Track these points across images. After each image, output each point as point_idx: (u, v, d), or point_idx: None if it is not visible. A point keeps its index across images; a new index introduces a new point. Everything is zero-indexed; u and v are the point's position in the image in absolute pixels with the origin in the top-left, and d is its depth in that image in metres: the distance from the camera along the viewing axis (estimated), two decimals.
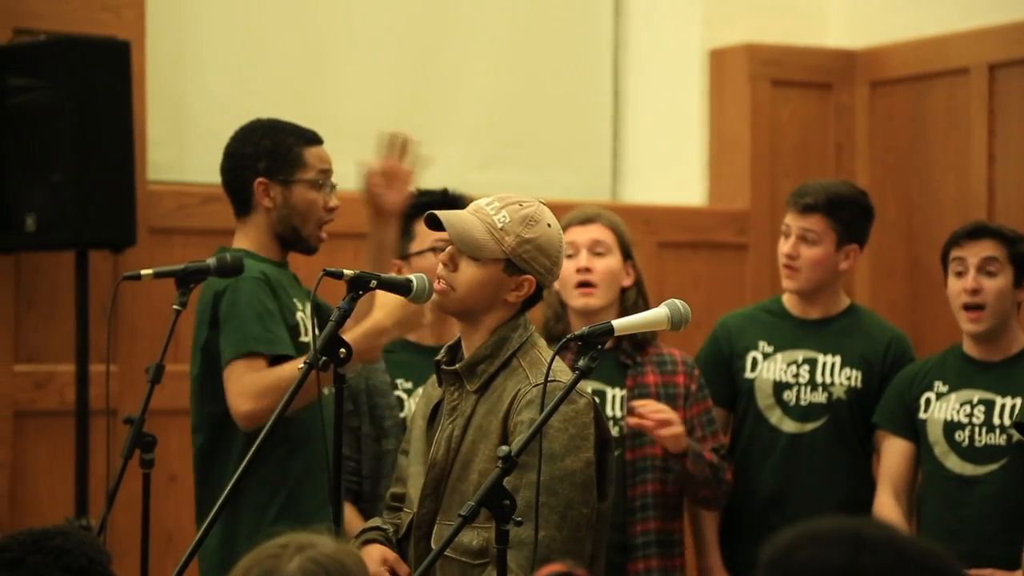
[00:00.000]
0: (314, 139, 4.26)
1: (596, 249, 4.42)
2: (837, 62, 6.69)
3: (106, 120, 5.24)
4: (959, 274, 4.47)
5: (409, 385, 4.41)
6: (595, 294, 4.38)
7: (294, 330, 4.11)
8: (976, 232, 4.48)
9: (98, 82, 5.24)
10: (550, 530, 3.18)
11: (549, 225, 3.35)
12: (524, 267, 3.32)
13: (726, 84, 6.66)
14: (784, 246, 4.68)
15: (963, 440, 4.45)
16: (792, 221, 4.68)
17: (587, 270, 4.39)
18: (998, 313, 4.44)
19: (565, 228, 4.40)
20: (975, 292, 4.43)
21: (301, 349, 4.08)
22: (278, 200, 4.18)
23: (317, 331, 3.51)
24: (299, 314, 4.14)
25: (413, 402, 4.38)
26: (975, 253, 4.45)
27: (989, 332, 4.46)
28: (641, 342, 4.45)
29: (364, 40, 6.39)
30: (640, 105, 6.94)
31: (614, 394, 4.42)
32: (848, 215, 4.66)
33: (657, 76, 6.89)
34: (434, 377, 3.52)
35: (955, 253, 4.49)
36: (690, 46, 6.76)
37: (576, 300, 4.40)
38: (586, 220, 4.46)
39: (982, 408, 4.46)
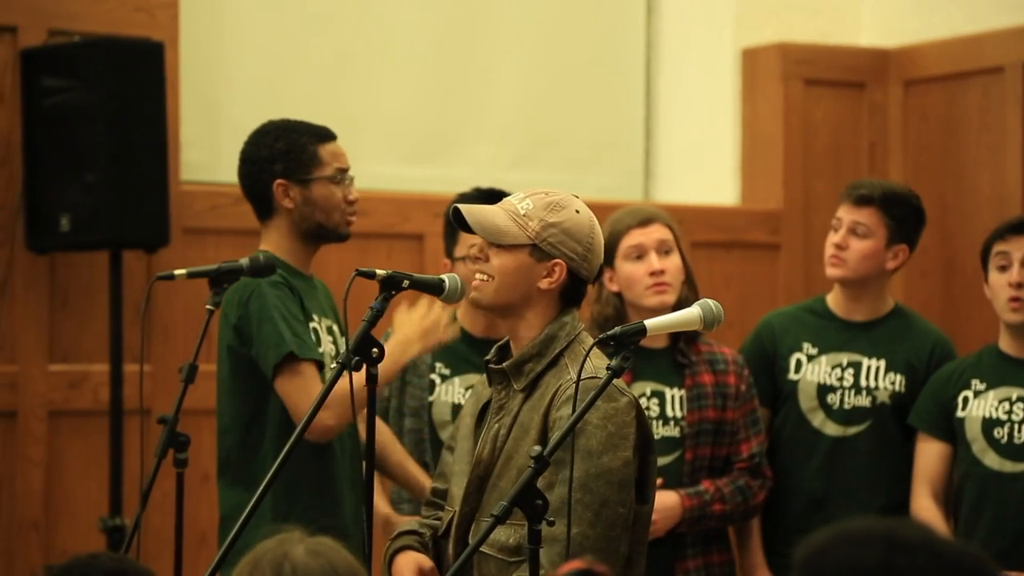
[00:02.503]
0: (327, 136, 4.24)
1: (663, 248, 4.43)
2: (870, 61, 6.67)
3: (140, 121, 5.26)
4: (1003, 268, 4.46)
5: (447, 372, 4.44)
6: (669, 291, 4.40)
7: None
8: (1022, 226, 4.48)
9: (132, 83, 5.26)
10: (583, 527, 3.18)
11: (578, 211, 3.34)
12: (551, 251, 3.31)
13: (759, 83, 6.65)
14: (833, 237, 4.65)
15: (1002, 437, 4.44)
16: (844, 214, 4.65)
17: (662, 271, 4.40)
18: None
19: (625, 230, 4.43)
20: (1020, 286, 4.42)
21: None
22: (298, 200, 4.17)
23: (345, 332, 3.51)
24: (312, 324, 4.14)
25: (445, 389, 4.44)
26: (1020, 247, 4.44)
27: None
28: (691, 338, 4.47)
29: (396, 41, 6.40)
30: (672, 104, 6.93)
31: (673, 394, 4.43)
32: (901, 213, 4.64)
33: (689, 75, 6.88)
34: (485, 376, 3.52)
35: (999, 247, 4.48)
36: (723, 45, 6.75)
37: (651, 299, 4.39)
38: (647, 221, 4.45)
39: (1021, 405, 4.45)
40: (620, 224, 4.47)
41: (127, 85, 5.25)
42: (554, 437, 3.02)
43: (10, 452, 5.41)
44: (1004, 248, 4.47)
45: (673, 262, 4.43)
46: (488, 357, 3.43)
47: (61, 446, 5.47)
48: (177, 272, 3.90)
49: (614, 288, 4.47)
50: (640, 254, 4.42)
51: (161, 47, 5.36)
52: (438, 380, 4.46)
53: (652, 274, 4.40)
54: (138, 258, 5.50)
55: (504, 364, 3.35)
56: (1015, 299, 4.43)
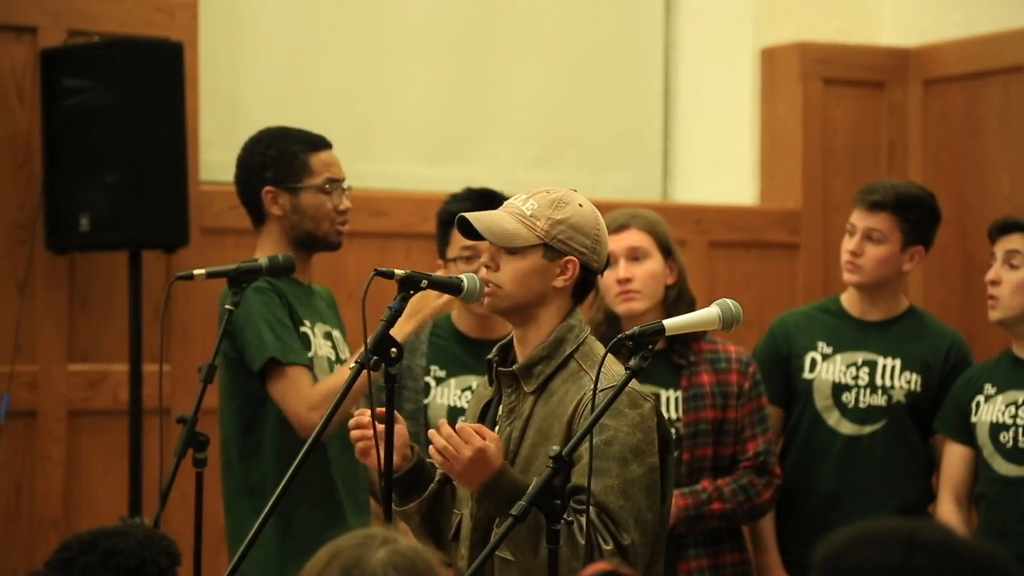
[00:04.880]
0: (320, 144, 4.27)
1: (633, 255, 4.42)
2: (890, 60, 6.66)
3: (159, 121, 5.27)
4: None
5: (442, 374, 4.43)
6: (636, 298, 4.40)
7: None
8: (1007, 227, 4.50)
9: (152, 83, 5.27)
10: (632, 535, 3.18)
11: (581, 205, 3.33)
12: (563, 248, 3.31)
13: (778, 83, 6.64)
14: (848, 243, 4.65)
15: (1007, 441, 4.43)
16: (858, 220, 4.65)
17: (627, 280, 4.40)
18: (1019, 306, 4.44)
19: None
20: (994, 283, 4.46)
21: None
22: (287, 207, 4.21)
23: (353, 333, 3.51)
24: (303, 329, 4.16)
25: (440, 391, 4.43)
26: (1001, 247, 4.48)
27: (1009, 320, 4.46)
28: (690, 338, 4.44)
29: (416, 41, 6.40)
30: (691, 104, 6.92)
31: (668, 396, 4.41)
32: (915, 215, 4.64)
33: (708, 75, 6.87)
34: (486, 376, 3.51)
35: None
36: (742, 44, 6.74)
37: (619, 306, 4.41)
38: (620, 227, 4.44)
39: None
40: None
41: (146, 85, 5.26)
42: (574, 442, 3.01)
43: (30, 451, 5.42)
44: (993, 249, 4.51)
45: (644, 269, 4.42)
46: (490, 356, 3.42)
47: (81, 445, 5.48)
48: (196, 272, 3.91)
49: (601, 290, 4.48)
50: (612, 261, 4.38)
51: (180, 47, 5.36)
52: (433, 383, 4.43)
53: (619, 282, 4.40)
54: (157, 258, 5.51)
55: (515, 367, 3.34)
56: (991, 297, 4.46)
